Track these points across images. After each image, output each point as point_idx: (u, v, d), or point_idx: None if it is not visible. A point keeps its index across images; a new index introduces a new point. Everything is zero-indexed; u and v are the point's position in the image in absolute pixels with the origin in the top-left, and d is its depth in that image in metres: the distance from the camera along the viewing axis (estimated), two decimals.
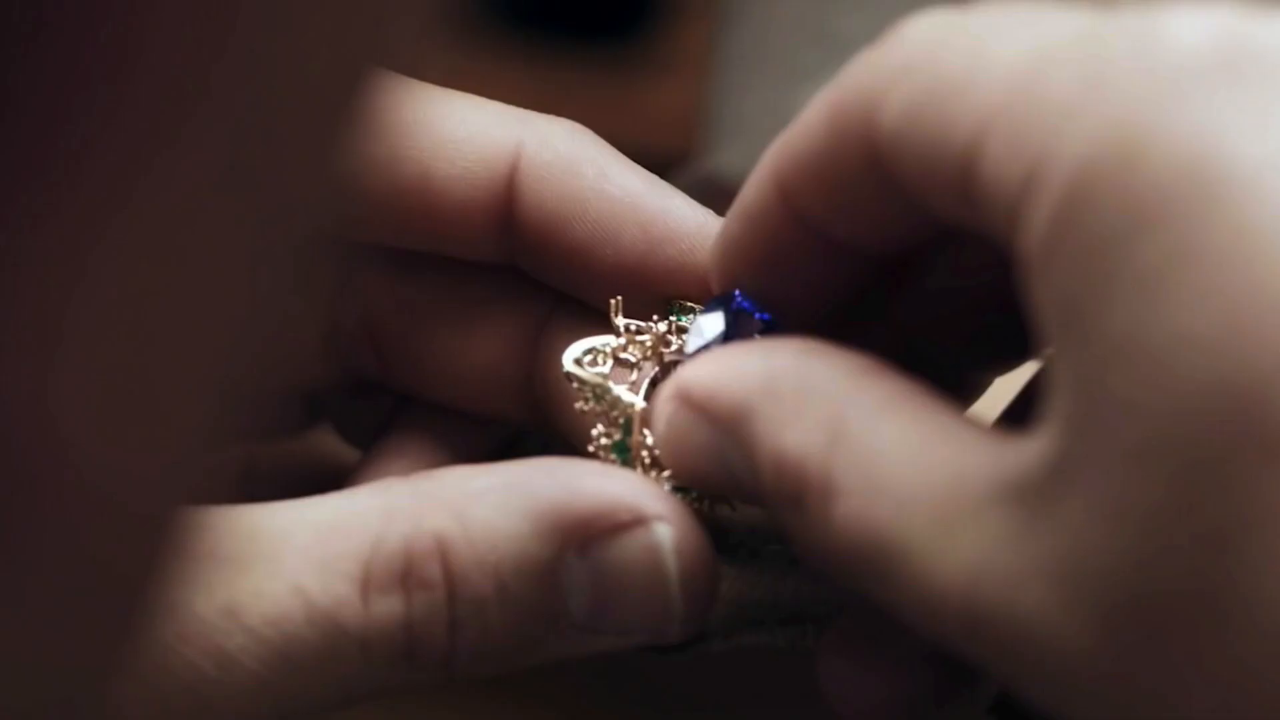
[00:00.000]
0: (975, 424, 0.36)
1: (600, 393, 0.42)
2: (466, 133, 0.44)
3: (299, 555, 0.39)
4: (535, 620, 0.39)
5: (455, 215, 0.44)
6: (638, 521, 0.39)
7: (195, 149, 0.21)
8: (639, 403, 0.42)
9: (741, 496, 0.40)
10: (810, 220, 0.39)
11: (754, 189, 0.40)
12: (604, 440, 0.42)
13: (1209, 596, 0.30)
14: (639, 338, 0.43)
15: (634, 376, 0.42)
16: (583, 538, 0.39)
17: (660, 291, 0.43)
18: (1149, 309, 0.30)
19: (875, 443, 0.35)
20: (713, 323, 0.41)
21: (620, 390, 0.42)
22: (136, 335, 0.22)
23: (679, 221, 0.43)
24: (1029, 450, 0.32)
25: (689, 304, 0.43)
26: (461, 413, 0.47)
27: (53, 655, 0.23)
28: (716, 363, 0.39)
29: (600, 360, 0.43)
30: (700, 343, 0.41)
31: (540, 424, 0.46)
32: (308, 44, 0.22)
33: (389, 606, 0.39)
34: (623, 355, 0.43)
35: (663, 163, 0.49)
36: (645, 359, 0.43)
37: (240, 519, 0.39)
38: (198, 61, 0.20)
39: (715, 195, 0.44)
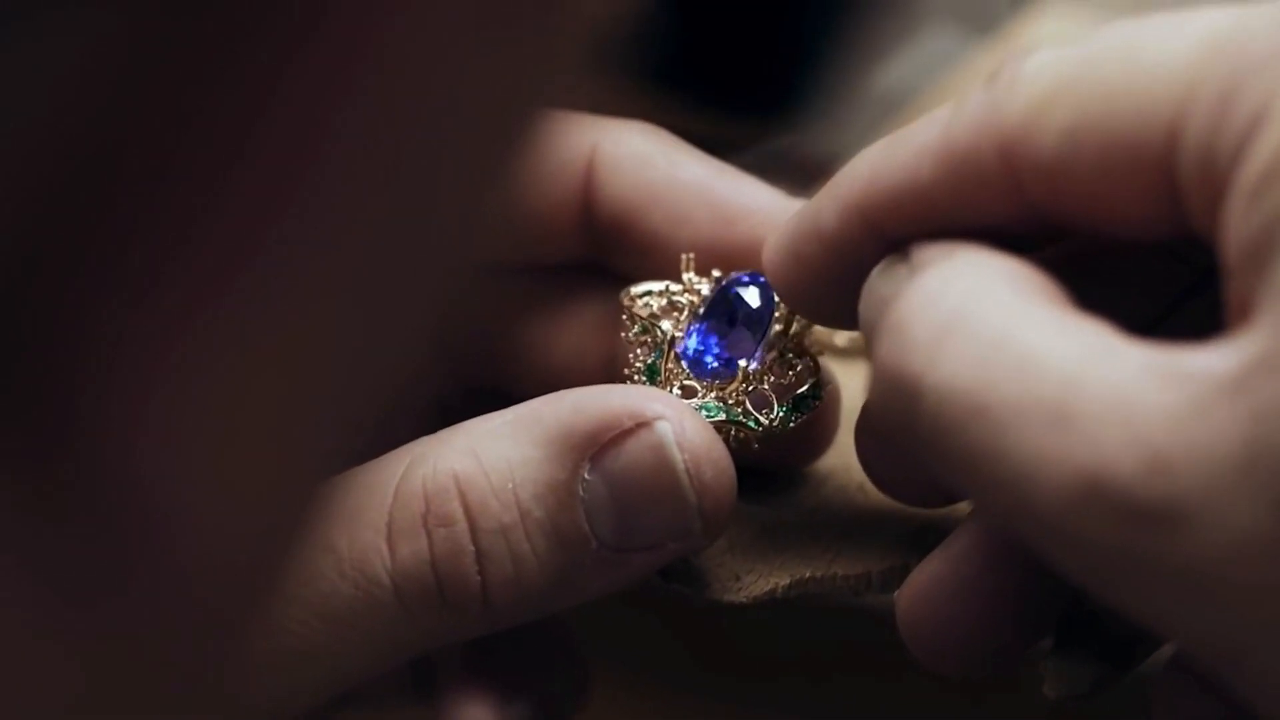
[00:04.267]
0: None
1: (643, 322, 0.44)
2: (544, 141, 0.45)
3: (330, 516, 0.39)
4: (562, 545, 0.40)
5: (540, 219, 0.46)
6: (640, 424, 0.40)
7: (326, 188, 0.21)
8: (672, 331, 0.44)
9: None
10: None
11: (834, 218, 0.40)
12: (638, 364, 0.44)
13: None
14: (697, 285, 0.45)
15: (683, 315, 0.44)
16: (593, 451, 0.40)
17: (736, 268, 0.44)
18: None
19: (1011, 307, 0.34)
20: (751, 296, 0.44)
21: (662, 323, 0.44)
22: (253, 386, 0.22)
23: (749, 201, 0.45)
24: (1213, 354, 0.32)
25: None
26: None
27: (147, 698, 0.24)
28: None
29: (654, 299, 0.44)
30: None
31: None
32: (465, 86, 0.22)
33: (414, 547, 0.39)
34: (677, 299, 0.44)
35: None
36: (702, 301, 0.44)
37: None
38: (331, 102, 0.21)
39: (787, 169, 0.46)
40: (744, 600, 0.44)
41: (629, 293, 0.45)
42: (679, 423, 0.40)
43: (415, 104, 0.22)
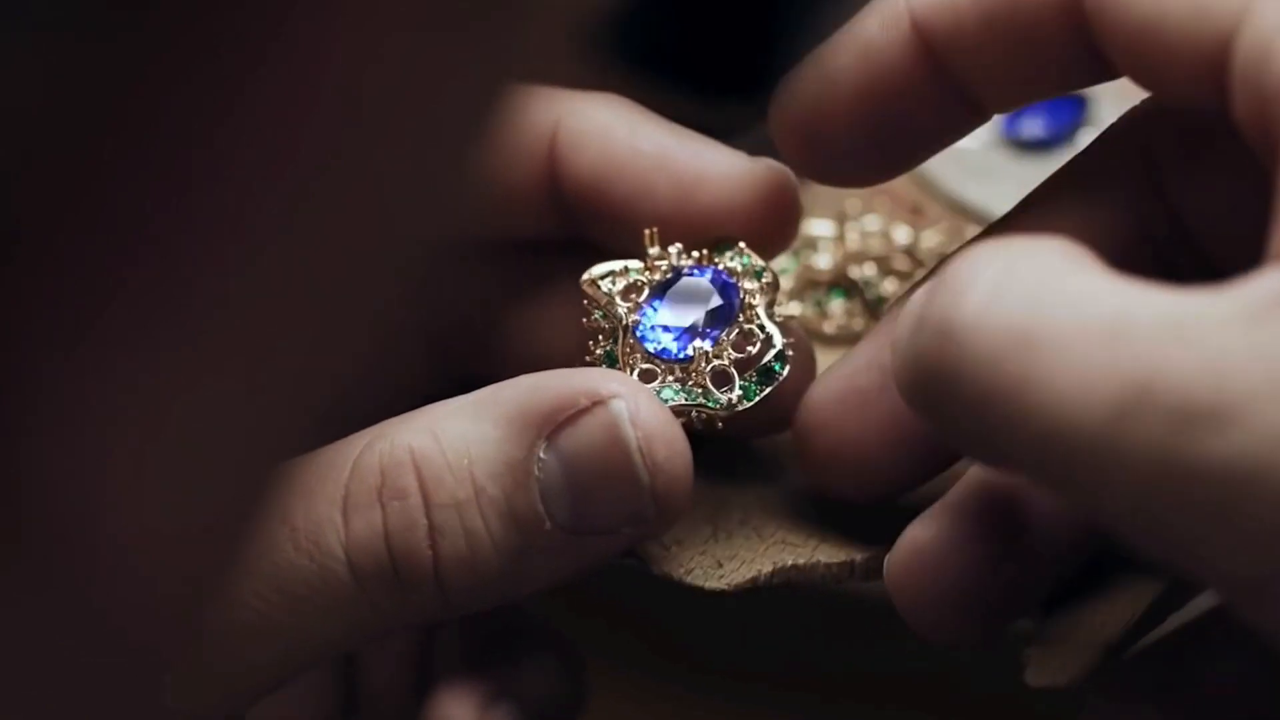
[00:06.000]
0: None
1: (603, 307, 0.44)
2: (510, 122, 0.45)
3: (289, 490, 0.40)
4: (516, 524, 0.40)
5: (508, 195, 0.46)
6: (596, 403, 0.40)
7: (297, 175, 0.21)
8: (628, 316, 0.43)
9: None
10: (950, 68, 0.41)
11: (881, 28, 0.41)
12: (599, 351, 0.44)
13: None
14: (658, 263, 0.44)
15: (641, 298, 0.44)
16: (549, 430, 0.40)
17: (701, 235, 0.44)
18: None
19: (1054, 264, 0.35)
20: (710, 281, 0.44)
21: (619, 309, 0.44)
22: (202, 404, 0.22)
23: (708, 166, 0.44)
24: (1265, 279, 0.33)
25: (737, 242, 0.44)
26: None
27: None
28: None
29: (616, 281, 0.44)
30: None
31: None
32: (444, 66, 0.22)
33: (368, 519, 0.39)
34: (638, 278, 0.44)
35: None
36: (656, 284, 0.44)
37: None
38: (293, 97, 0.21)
39: (777, 157, 0.46)
40: (725, 588, 0.43)
41: (588, 276, 0.44)
42: (633, 401, 0.40)
43: (376, 93, 0.21)
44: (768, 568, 0.43)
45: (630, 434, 0.40)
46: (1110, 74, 0.41)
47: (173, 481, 0.22)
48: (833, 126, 0.43)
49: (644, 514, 0.40)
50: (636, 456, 0.40)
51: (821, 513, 0.44)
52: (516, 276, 0.48)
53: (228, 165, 0.21)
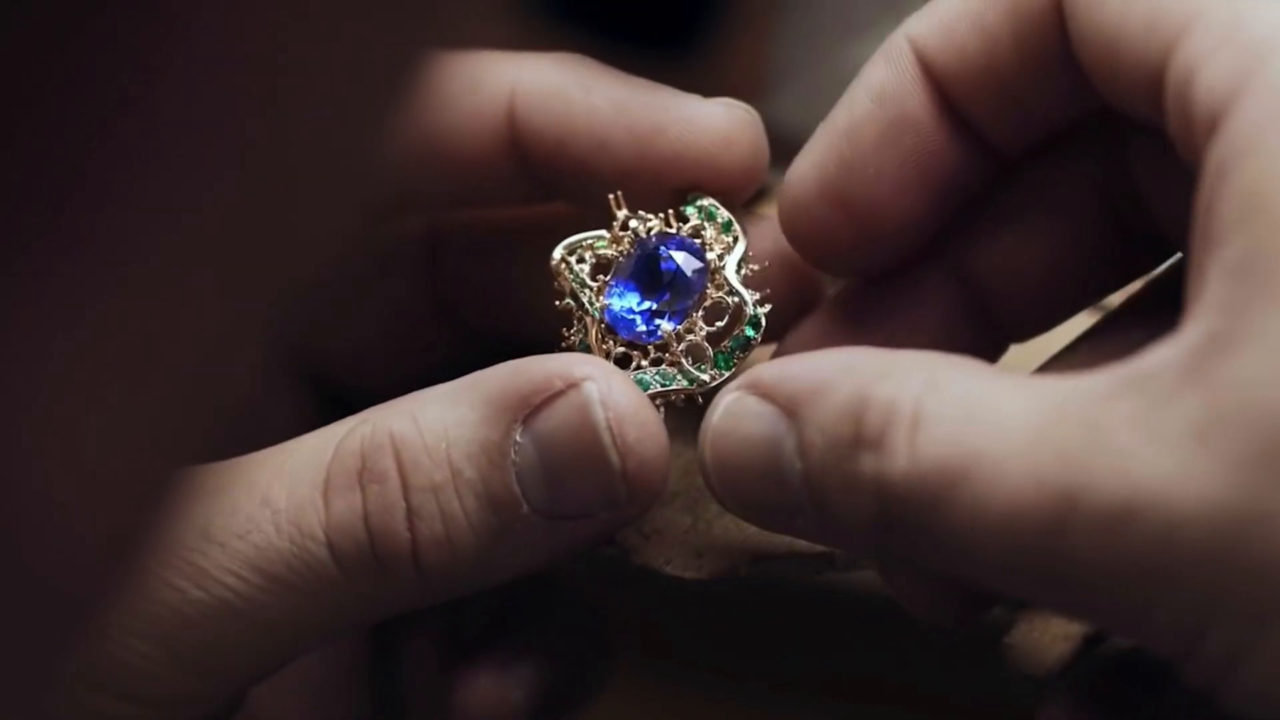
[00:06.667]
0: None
1: (569, 294, 0.43)
2: (462, 84, 0.45)
3: (270, 472, 0.40)
4: (493, 507, 0.40)
5: (470, 162, 0.46)
6: (570, 385, 0.40)
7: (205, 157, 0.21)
8: (596, 300, 0.43)
9: (776, 493, 0.39)
10: (958, 101, 0.41)
11: (888, 72, 0.41)
12: (573, 339, 0.43)
13: None
14: (621, 233, 0.44)
15: (608, 277, 0.43)
16: (525, 413, 0.40)
17: (667, 185, 0.44)
18: None
19: (971, 384, 0.36)
20: (681, 259, 0.43)
21: (586, 296, 0.43)
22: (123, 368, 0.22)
23: (662, 113, 0.44)
24: (1164, 349, 0.34)
25: (702, 194, 0.44)
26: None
27: None
28: (784, 363, 0.40)
29: (584, 257, 0.44)
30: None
31: None
32: (364, 33, 0.22)
33: (348, 501, 0.40)
34: (606, 251, 0.44)
35: None
36: (619, 264, 0.44)
37: (235, 461, 0.41)
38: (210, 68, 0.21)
39: (773, 147, 0.45)
40: (705, 578, 0.43)
41: (555, 257, 0.44)
42: (605, 383, 0.40)
43: (290, 68, 0.21)
44: (747, 558, 0.43)
45: (600, 415, 0.40)
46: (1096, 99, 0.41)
47: (101, 435, 0.22)
48: (861, 184, 0.42)
49: (616, 497, 0.40)
50: (606, 437, 0.40)
51: None
52: (503, 231, 0.48)
53: (137, 147, 0.20)
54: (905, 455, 0.35)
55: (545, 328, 0.46)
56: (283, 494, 0.40)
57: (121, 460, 0.22)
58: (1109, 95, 0.39)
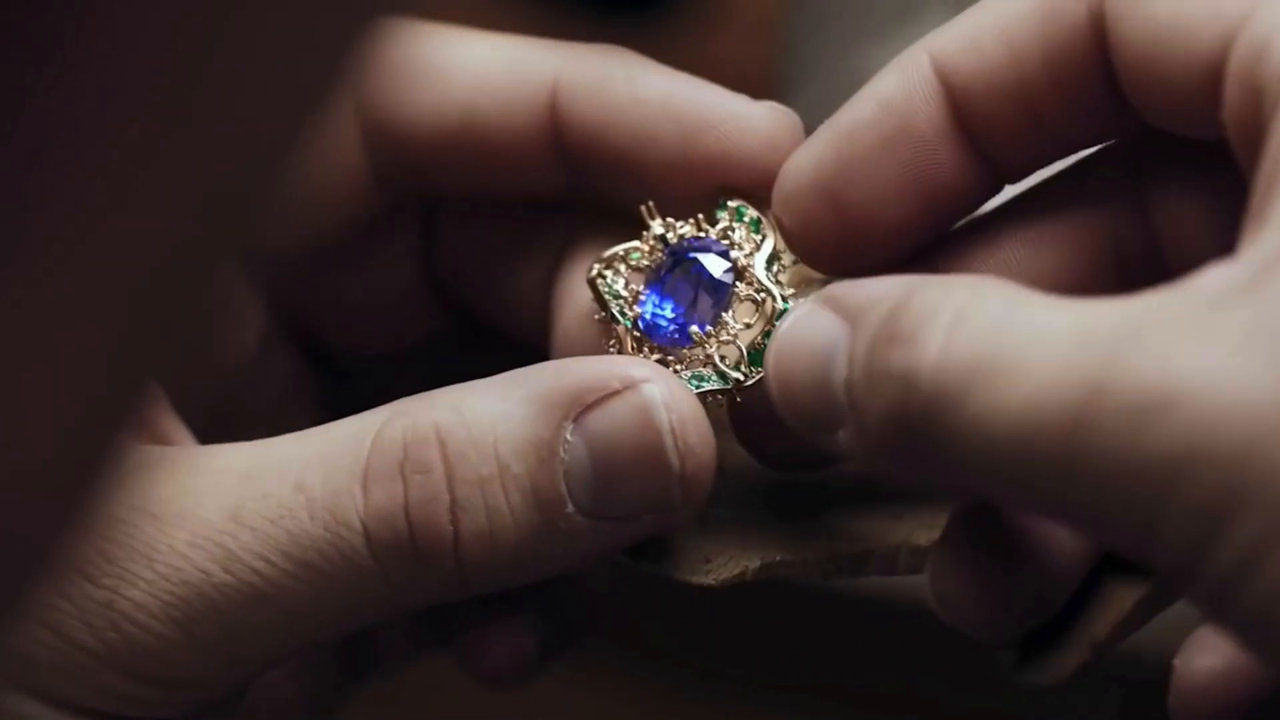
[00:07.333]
0: None
1: (605, 305, 0.43)
2: (503, 68, 0.45)
3: (305, 459, 0.40)
4: (538, 504, 0.40)
5: (506, 149, 0.45)
6: (627, 386, 0.40)
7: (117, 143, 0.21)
8: (630, 310, 0.43)
9: (824, 402, 0.38)
10: (975, 118, 0.41)
11: (898, 82, 0.41)
12: (611, 350, 0.43)
13: None
14: (655, 242, 0.44)
15: (640, 287, 0.44)
16: (577, 411, 0.40)
17: (709, 182, 0.44)
18: None
19: (1017, 296, 0.35)
20: (711, 263, 0.43)
21: (618, 307, 0.43)
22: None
23: (711, 109, 0.44)
24: (1221, 269, 0.34)
25: (737, 196, 0.44)
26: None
27: None
28: (858, 281, 0.39)
29: (619, 270, 0.44)
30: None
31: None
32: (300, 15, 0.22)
33: (388, 491, 0.39)
34: (644, 264, 0.44)
35: None
36: (651, 271, 0.44)
37: (262, 444, 0.40)
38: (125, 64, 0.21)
39: None
40: (712, 582, 0.43)
41: (591, 273, 0.44)
42: (666, 386, 0.40)
43: (226, 52, 0.21)
44: (755, 563, 0.43)
45: (664, 418, 0.40)
46: (1127, 122, 0.41)
47: (44, 373, 0.22)
48: (854, 186, 0.42)
49: (671, 500, 0.40)
50: (669, 439, 0.40)
51: (809, 509, 0.44)
52: (508, 227, 0.47)
53: (56, 131, 0.21)
54: (936, 349, 0.34)
55: (538, 314, 0.46)
56: (318, 480, 0.39)
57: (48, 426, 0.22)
58: (1146, 102, 0.39)
